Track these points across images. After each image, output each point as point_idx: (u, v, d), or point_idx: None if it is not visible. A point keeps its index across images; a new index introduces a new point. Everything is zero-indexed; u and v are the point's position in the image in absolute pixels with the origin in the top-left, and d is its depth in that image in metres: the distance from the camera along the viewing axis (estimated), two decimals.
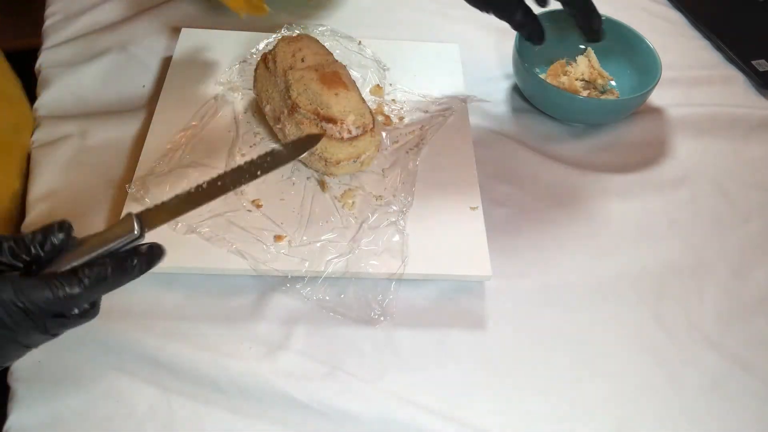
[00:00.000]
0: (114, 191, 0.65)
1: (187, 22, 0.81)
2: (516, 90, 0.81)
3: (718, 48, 0.90)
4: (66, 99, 0.73)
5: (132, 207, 0.60)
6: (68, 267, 0.42)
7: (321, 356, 0.56)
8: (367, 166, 0.66)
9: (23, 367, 0.53)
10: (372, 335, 0.58)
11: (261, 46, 0.77)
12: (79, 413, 0.52)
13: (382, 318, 0.58)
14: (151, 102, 0.73)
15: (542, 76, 0.79)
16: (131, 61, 0.78)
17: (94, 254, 0.43)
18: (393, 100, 0.75)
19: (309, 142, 0.56)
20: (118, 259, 0.43)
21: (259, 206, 0.63)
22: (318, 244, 0.60)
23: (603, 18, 0.81)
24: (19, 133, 0.69)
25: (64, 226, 0.44)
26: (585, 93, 0.79)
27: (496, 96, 0.80)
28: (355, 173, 0.66)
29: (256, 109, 0.71)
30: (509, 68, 0.81)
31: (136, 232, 0.44)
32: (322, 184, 0.65)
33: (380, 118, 0.72)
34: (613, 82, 0.81)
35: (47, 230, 0.43)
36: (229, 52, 0.77)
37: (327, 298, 0.59)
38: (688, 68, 0.86)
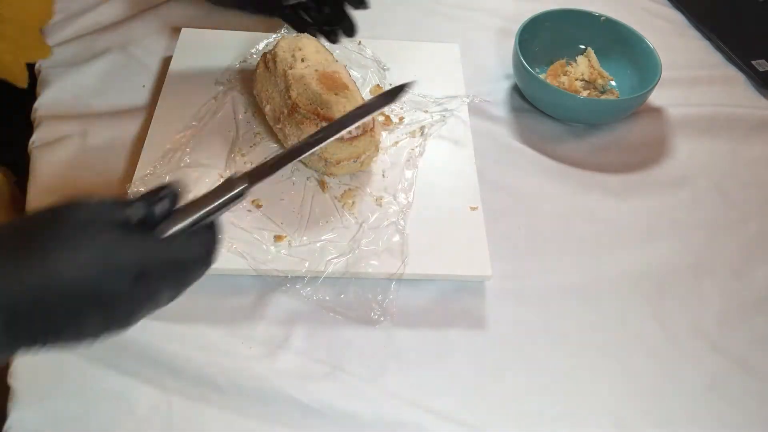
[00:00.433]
0: (114, 191, 0.65)
1: (187, 22, 0.81)
2: (516, 90, 0.81)
3: (718, 48, 0.90)
4: (66, 99, 0.73)
5: None
6: (178, 227, 0.41)
7: (321, 356, 0.56)
8: (366, 166, 0.66)
9: (23, 367, 0.53)
10: (372, 335, 0.58)
11: (261, 46, 0.77)
12: (79, 413, 0.52)
13: (382, 318, 0.58)
14: (151, 102, 0.73)
15: (542, 76, 0.79)
16: (131, 61, 0.78)
17: (200, 213, 0.42)
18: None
19: (401, 89, 0.56)
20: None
21: (259, 206, 0.63)
22: (318, 244, 0.60)
23: (603, 18, 0.81)
24: None
25: (175, 188, 0.43)
26: (585, 93, 0.79)
27: (496, 96, 0.80)
28: (355, 173, 0.66)
29: (256, 109, 0.71)
30: (509, 68, 0.81)
31: (239, 191, 0.43)
32: (322, 184, 0.65)
33: (380, 118, 0.72)
34: (613, 82, 0.81)
35: (159, 191, 0.42)
36: (229, 52, 0.77)
37: (327, 298, 0.59)
38: (688, 68, 0.86)
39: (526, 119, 0.78)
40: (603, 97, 0.79)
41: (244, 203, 0.62)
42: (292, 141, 0.63)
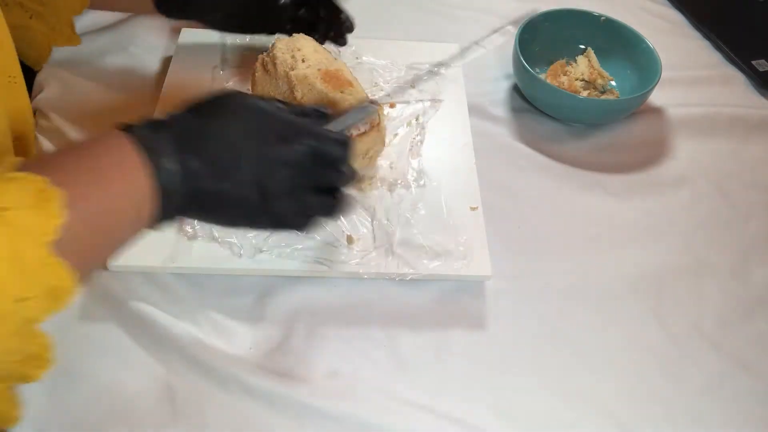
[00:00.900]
0: None
1: (187, 23, 0.81)
2: (516, 90, 0.81)
3: (718, 48, 0.90)
4: (66, 99, 0.73)
5: None
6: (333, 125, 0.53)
7: (321, 356, 0.56)
8: (374, 161, 0.66)
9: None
10: (372, 335, 0.58)
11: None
12: (79, 413, 0.52)
13: (382, 319, 0.58)
14: (152, 102, 0.73)
15: (542, 76, 0.79)
16: (131, 61, 0.78)
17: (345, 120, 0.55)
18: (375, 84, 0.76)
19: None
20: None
21: None
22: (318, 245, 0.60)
23: (603, 18, 0.81)
24: None
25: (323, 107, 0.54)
26: (585, 93, 0.79)
27: (496, 96, 0.80)
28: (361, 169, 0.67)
29: None
30: (509, 68, 0.81)
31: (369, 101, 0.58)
32: None
33: (387, 109, 0.72)
34: (613, 82, 0.81)
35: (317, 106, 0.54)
36: (230, 53, 0.77)
37: (327, 298, 0.59)
38: (688, 68, 0.86)
39: (526, 119, 0.78)
40: (603, 97, 0.79)
41: None
42: None
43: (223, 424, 0.52)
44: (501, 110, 0.79)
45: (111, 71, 0.77)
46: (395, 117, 0.73)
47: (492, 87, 0.81)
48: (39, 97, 0.73)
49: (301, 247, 0.60)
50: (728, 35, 0.91)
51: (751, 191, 0.74)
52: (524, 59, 0.75)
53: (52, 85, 0.74)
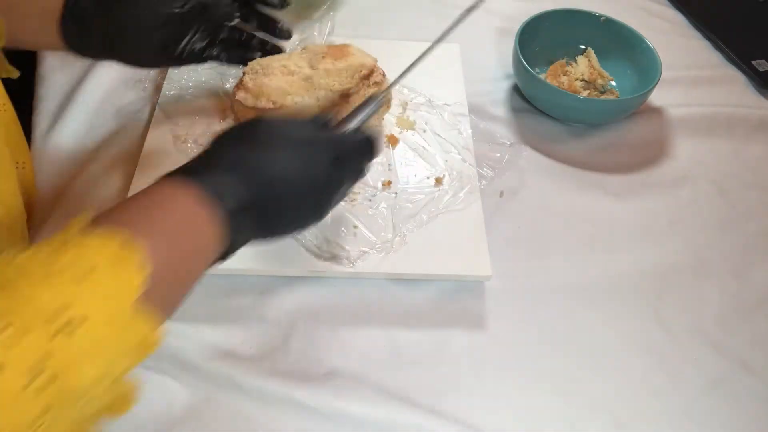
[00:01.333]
0: (114, 188, 0.65)
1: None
2: (516, 90, 0.81)
3: (718, 48, 0.90)
4: (66, 99, 0.73)
5: None
6: (351, 126, 0.54)
7: (321, 356, 0.56)
8: (381, 119, 0.69)
9: None
10: (372, 335, 0.58)
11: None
12: None
13: (381, 319, 0.58)
14: (152, 103, 0.73)
15: (542, 76, 0.79)
16: None
17: (361, 116, 0.55)
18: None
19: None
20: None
21: None
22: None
23: (603, 18, 0.81)
24: None
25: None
26: (585, 93, 0.79)
27: (496, 96, 0.80)
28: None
29: None
30: (509, 68, 0.81)
31: (382, 97, 0.58)
32: None
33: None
34: (613, 82, 0.81)
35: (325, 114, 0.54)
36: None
37: (327, 298, 0.59)
38: (688, 68, 0.86)
39: (526, 119, 0.78)
40: (603, 97, 0.79)
41: None
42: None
43: (222, 424, 0.52)
44: (501, 110, 0.79)
45: (111, 72, 0.75)
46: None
47: (492, 87, 0.81)
48: (40, 97, 0.73)
49: (301, 247, 0.60)
50: (728, 35, 0.90)
51: (751, 191, 0.74)
52: (524, 59, 0.75)
53: (52, 85, 0.74)
